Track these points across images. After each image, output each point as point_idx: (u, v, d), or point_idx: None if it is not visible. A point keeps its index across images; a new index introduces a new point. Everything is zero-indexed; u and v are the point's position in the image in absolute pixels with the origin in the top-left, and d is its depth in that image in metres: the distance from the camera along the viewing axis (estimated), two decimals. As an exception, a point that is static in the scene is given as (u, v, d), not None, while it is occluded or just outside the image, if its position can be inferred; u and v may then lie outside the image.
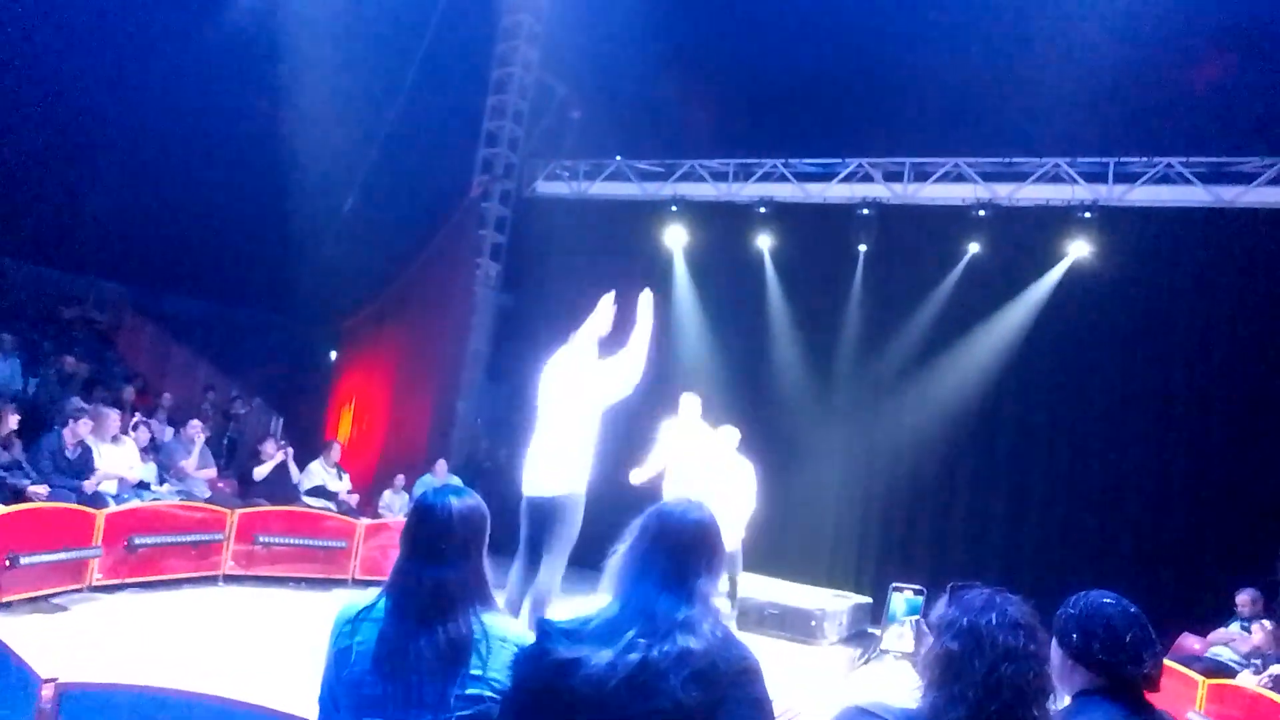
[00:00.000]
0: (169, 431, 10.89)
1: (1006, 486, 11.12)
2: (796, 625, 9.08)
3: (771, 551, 10.65)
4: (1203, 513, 10.02)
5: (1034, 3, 10.78)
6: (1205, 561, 9.58)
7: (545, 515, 5.27)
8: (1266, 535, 9.42)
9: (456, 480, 11.38)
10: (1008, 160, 11.43)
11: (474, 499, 2.33)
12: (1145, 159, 10.87)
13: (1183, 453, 10.38)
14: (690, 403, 7.88)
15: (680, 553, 2.06)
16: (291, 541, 9.43)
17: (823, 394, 12.06)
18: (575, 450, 5.34)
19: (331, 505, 10.61)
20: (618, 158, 13.49)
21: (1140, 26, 10.23)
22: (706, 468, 7.62)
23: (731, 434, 8.01)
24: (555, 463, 5.31)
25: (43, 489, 7.74)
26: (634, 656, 1.92)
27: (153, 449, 10.16)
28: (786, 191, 12.47)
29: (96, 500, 8.19)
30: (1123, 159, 10.96)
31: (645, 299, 5.72)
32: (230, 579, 8.85)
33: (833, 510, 11.92)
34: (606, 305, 5.71)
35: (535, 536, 5.32)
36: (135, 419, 10.35)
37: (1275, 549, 9.36)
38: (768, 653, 6.86)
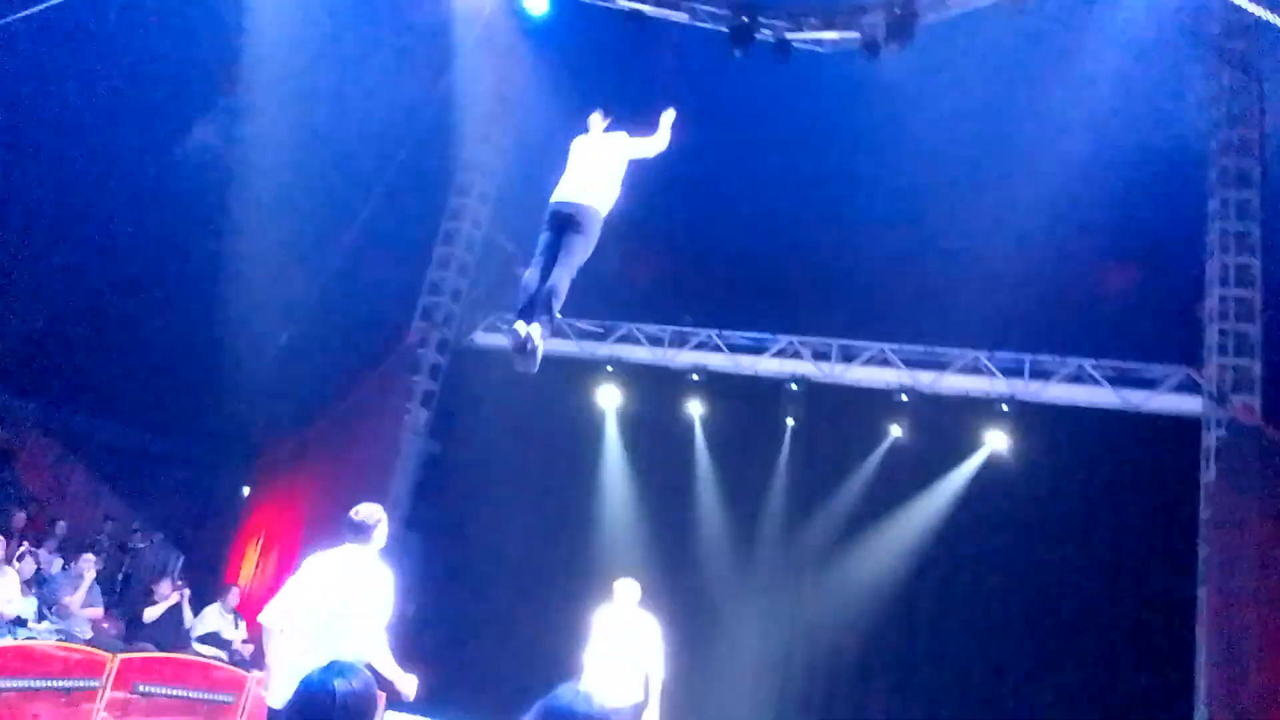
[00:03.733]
0: (57, 563, 10.26)
1: (927, 669, 11.06)
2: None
3: (692, 716, 10.31)
4: (1116, 696, 10.07)
5: (959, 206, 11.51)
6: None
7: (571, 222, 5.86)
8: (1175, 714, 9.51)
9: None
10: (930, 349, 11.96)
11: (360, 680, 2.22)
12: (1059, 358, 11.46)
13: (1097, 646, 10.49)
14: (626, 589, 7.51)
15: None
16: (174, 692, 8.77)
17: (746, 564, 12.00)
18: (607, 181, 6.09)
19: (223, 655, 9.98)
20: (558, 314, 13.69)
21: (1055, 236, 11.00)
22: (611, 627, 7.37)
23: (630, 588, 7.51)
24: (590, 184, 6.00)
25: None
26: None
27: (37, 581, 9.54)
28: (719, 361, 12.77)
29: (-36, 636, 7.59)
30: (1038, 356, 11.54)
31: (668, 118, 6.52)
32: (101, 732, 8.15)
33: (751, 683, 11.65)
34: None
35: (556, 241, 5.86)
36: (22, 548, 9.74)
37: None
38: None
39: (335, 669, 2.22)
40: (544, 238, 5.95)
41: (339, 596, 4.88)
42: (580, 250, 5.85)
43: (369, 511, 5.20)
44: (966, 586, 11.16)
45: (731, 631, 11.73)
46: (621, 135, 6.33)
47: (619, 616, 7.44)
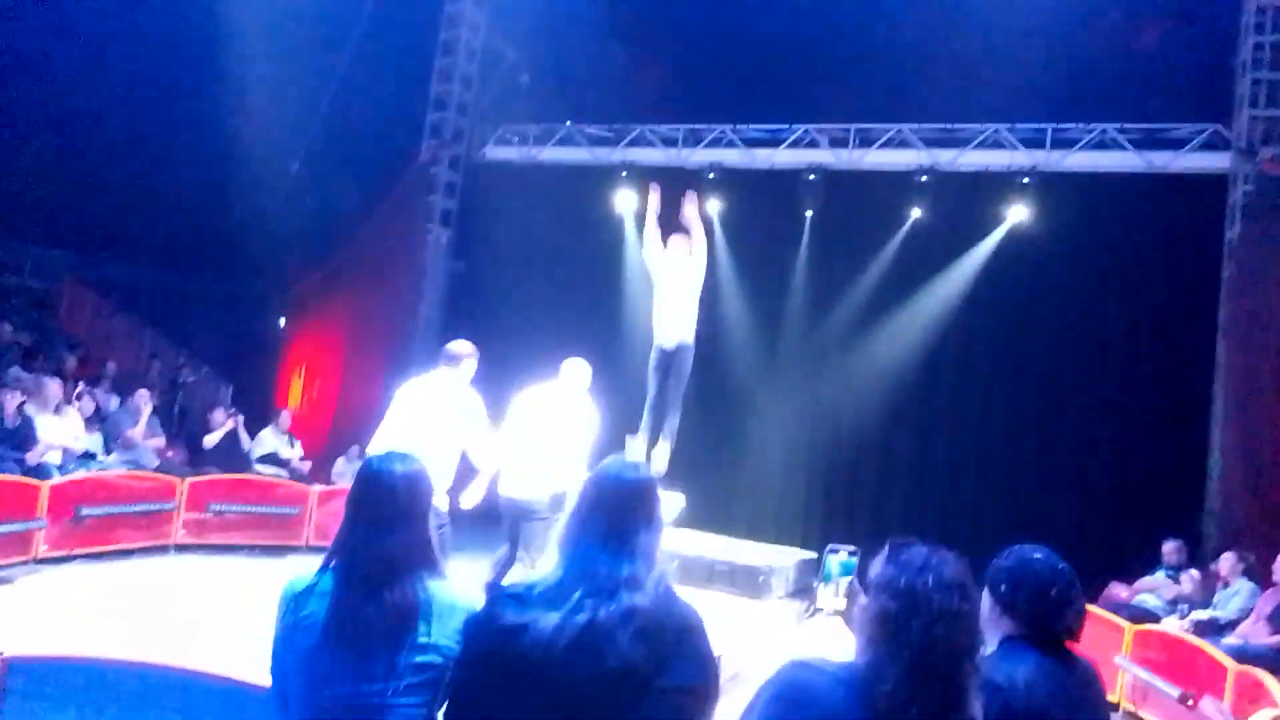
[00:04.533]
0: (114, 400, 10.75)
1: (946, 445, 11.46)
2: (744, 581, 9.31)
3: (720, 509, 10.91)
4: (1133, 468, 10.45)
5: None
6: (1133, 514, 10.01)
7: (673, 359, 6.89)
8: (1190, 490, 9.91)
9: (409, 447, 11.40)
10: (949, 126, 11.62)
11: (418, 465, 2.36)
12: (1082, 125, 11.13)
13: (1114, 412, 10.77)
14: (576, 371, 6.26)
15: (618, 512, 2.11)
16: (244, 509, 9.42)
17: (769, 356, 12.27)
18: (691, 311, 6.96)
19: (283, 472, 10.61)
20: (568, 123, 13.44)
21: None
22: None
23: (578, 368, 6.26)
24: (679, 320, 6.88)
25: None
26: (581, 617, 1.96)
27: (98, 419, 10.04)
28: (734, 157, 12.55)
29: (40, 472, 8.11)
30: (1060, 125, 11.21)
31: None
32: (182, 548, 8.84)
33: (779, 469, 12.18)
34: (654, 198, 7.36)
35: (664, 378, 6.88)
36: (79, 389, 10.20)
37: (1198, 502, 9.85)
38: (717, 608, 7.08)
39: (395, 456, 2.37)
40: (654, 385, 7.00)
41: (437, 410, 5.40)
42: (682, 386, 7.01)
43: (460, 345, 5.66)
44: (988, 364, 11.36)
45: (759, 421, 12.16)
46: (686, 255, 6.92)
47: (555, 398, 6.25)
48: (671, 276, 6.95)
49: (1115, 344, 10.86)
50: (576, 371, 6.17)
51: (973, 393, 11.39)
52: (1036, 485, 10.87)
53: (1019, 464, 11.00)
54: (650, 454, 6.70)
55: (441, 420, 5.37)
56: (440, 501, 5.16)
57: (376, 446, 5.21)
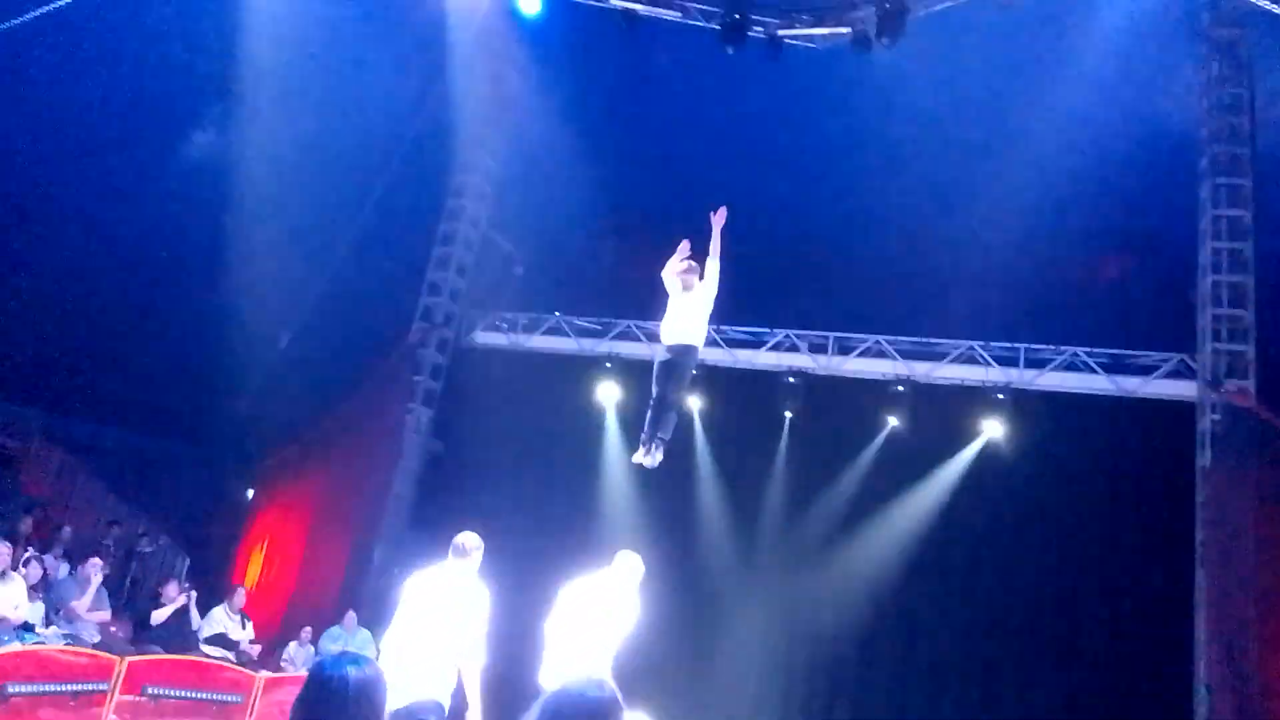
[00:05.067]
0: (64, 568, 10.32)
1: (925, 658, 11.14)
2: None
3: (693, 710, 10.40)
4: (1117, 692, 10.16)
5: (953, 198, 11.58)
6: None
7: (677, 363, 7.05)
8: (1174, 693, 9.59)
9: (366, 634, 10.94)
10: (925, 340, 12.01)
11: (372, 669, 2.26)
12: (1053, 347, 11.53)
13: (1096, 630, 10.58)
14: (628, 563, 6.52)
15: None
16: (183, 694, 8.86)
17: (747, 556, 12.08)
18: (701, 324, 7.19)
19: (231, 656, 10.07)
20: (556, 313, 13.80)
21: (1049, 225, 11.06)
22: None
23: (633, 562, 6.54)
24: (689, 328, 7.10)
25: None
26: None
27: (44, 586, 9.60)
28: (717, 356, 12.82)
29: (-27, 642, 7.65)
30: (1033, 345, 11.61)
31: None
32: (111, 734, 8.23)
33: (753, 672, 11.74)
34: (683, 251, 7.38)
35: (666, 381, 7.10)
36: (28, 554, 9.81)
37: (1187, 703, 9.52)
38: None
39: (348, 658, 2.26)
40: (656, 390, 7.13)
41: (449, 603, 5.49)
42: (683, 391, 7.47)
43: (469, 537, 5.77)
44: (965, 575, 11.24)
45: (733, 622, 11.82)
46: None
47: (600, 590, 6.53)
48: (683, 293, 7.20)
49: (1094, 562, 10.80)
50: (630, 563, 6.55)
51: (950, 605, 11.20)
52: (1017, 706, 10.53)
53: (998, 683, 10.78)
54: (649, 453, 7.03)
55: (450, 614, 5.44)
56: (442, 697, 5.29)
57: (388, 644, 5.46)
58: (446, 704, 5.33)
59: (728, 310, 12.82)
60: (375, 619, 12.04)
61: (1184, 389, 10.90)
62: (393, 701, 4.97)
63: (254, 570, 13.52)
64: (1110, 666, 10.29)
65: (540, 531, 12.55)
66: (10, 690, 7.43)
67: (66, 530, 11.73)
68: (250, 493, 14.69)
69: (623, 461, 12.86)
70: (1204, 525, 10.11)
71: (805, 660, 11.63)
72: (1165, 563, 10.31)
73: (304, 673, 9.85)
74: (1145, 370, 11.22)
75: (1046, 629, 10.69)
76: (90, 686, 8.23)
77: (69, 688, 8.04)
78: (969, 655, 10.95)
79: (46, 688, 7.83)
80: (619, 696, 2.17)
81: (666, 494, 12.50)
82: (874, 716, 11.05)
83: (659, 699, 7.82)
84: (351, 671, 2.21)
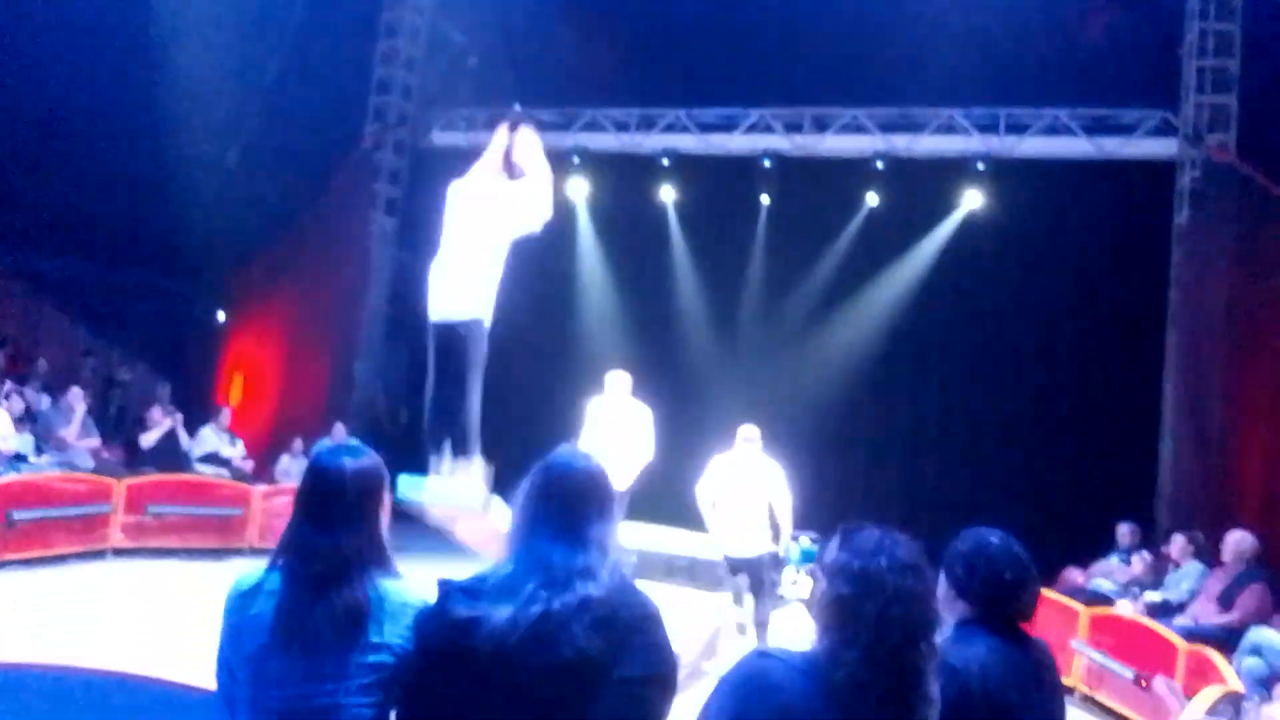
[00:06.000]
0: (46, 400, 10.29)
1: (904, 431, 11.56)
2: (705, 575, 9.19)
3: (678, 501, 10.78)
4: (1088, 452, 10.64)
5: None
6: (1088, 499, 10.14)
7: (453, 341, 5.03)
8: (1143, 474, 10.05)
9: (357, 444, 11.10)
10: (904, 111, 11.61)
11: (370, 458, 2.24)
12: (1034, 110, 11.20)
13: (1068, 396, 10.92)
14: (618, 380, 7.56)
15: (571, 502, 2.05)
16: (184, 511, 9.10)
17: (727, 343, 12.21)
18: (484, 276, 5.13)
19: (225, 472, 10.26)
20: (517, 106, 13.15)
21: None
22: (602, 417, 7.45)
23: (622, 378, 7.63)
24: (463, 287, 5.07)
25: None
26: (536, 609, 1.90)
27: (29, 419, 9.59)
28: (689, 143, 12.40)
29: (-35, 474, 7.69)
30: (1013, 110, 11.27)
31: (523, 136, 5.51)
32: (120, 553, 8.48)
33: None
34: (501, 133, 5.57)
35: (444, 365, 5.06)
36: (7, 387, 9.73)
37: (1151, 486, 9.98)
38: (678, 602, 6.95)
39: (345, 448, 2.24)
40: (431, 362, 5.13)
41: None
42: (475, 366, 5.00)
43: (752, 429, 7.23)
44: (945, 347, 11.47)
45: (716, 410, 12.04)
46: (507, 190, 5.27)
47: (610, 406, 7.53)
48: (466, 223, 5.22)
49: (1069, 329, 11.02)
50: (620, 381, 7.54)
51: (929, 378, 11.49)
52: (996, 470, 10.96)
53: (975, 449, 11.11)
54: (439, 470, 5.05)
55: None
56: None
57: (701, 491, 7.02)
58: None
59: (698, 92, 12.36)
60: (363, 430, 12.23)
61: (1166, 147, 10.70)
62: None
63: (236, 391, 13.56)
64: (1082, 422, 10.69)
65: (518, 332, 12.54)
66: (16, 517, 7.55)
67: (42, 363, 11.62)
68: (221, 315, 14.51)
69: (596, 255, 12.71)
70: (1177, 284, 10.21)
71: (784, 444, 11.95)
72: (1139, 323, 10.49)
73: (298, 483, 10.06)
74: (1128, 129, 10.97)
75: (1023, 394, 11.02)
76: (93, 510, 8.41)
77: (72, 511, 8.19)
78: (948, 422, 11.36)
79: (50, 512, 7.98)
80: (603, 468, 2.17)
81: (644, 289, 12.45)
82: (855, 492, 11.44)
83: (643, 489, 8.02)
84: (348, 461, 2.18)
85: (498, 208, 5.20)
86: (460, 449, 5.00)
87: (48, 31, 11.68)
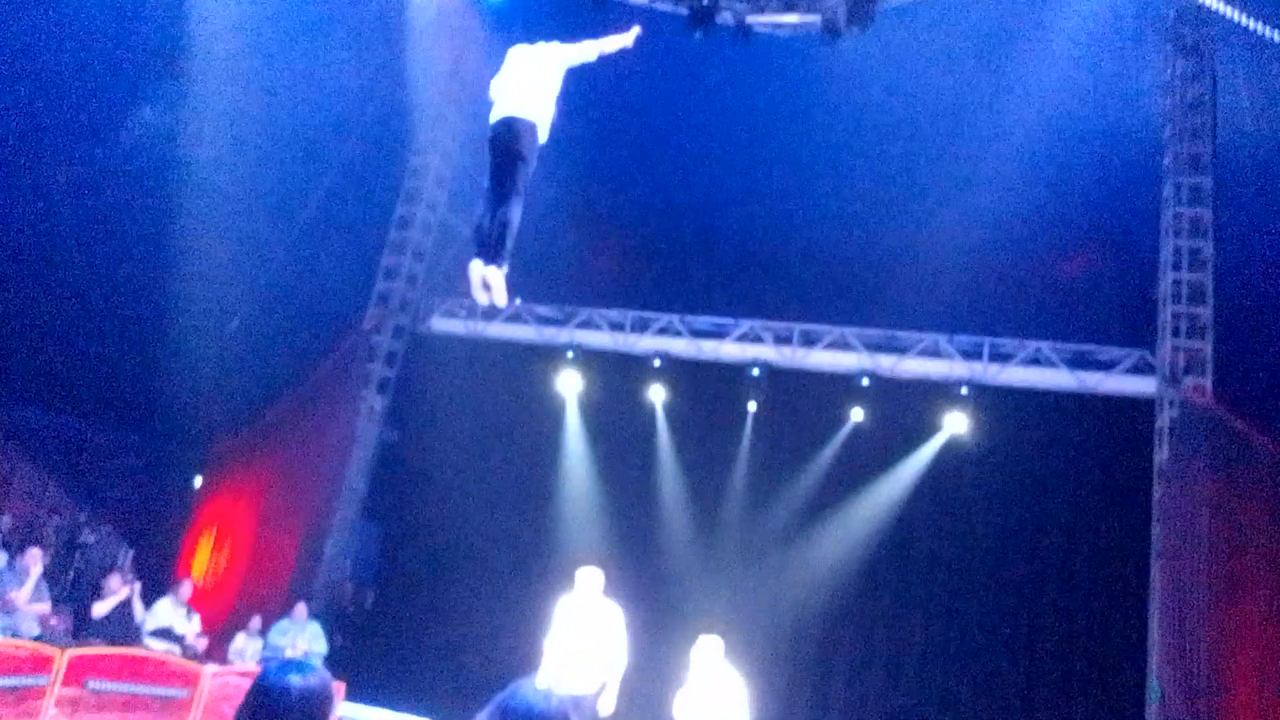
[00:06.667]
0: (1, 558, 9.91)
1: (883, 653, 11.15)
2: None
3: (654, 708, 10.30)
4: (1069, 671, 10.33)
5: (918, 192, 11.58)
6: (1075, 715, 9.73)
7: (511, 137, 5.51)
8: (1127, 689, 9.69)
9: (316, 626, 10.68)
10: (890, 333, 11.99)
11: (318, 677, 2.15)
12: (1017, 341, 11.58)
13: (1050, 618, 10.69)
14: (590, 576, 7.46)
15: None
16: (127, 689, 8.55)
17: (707, 547, 11.99)
18: (543, 92, 5.67)
19: (177, 649, 9.76)
20: (517, 300, 13.51)
21: (1013, 220, 11.10)
22: (573, 616, 7.31)
23: (594, 575, 7.48)
24: (525, 96, 5.61)
25: None
26: None
27: (-21, 578, 9.21)
28: (681, 346, 12.71)
29: (-99, 637, 7.29)
30: (997, 339, 11.65)
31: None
32: (50, 732, 7.90)
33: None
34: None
35: (499, 162, 5.54)
36: (-37, 544, 9.42)
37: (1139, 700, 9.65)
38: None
39: (293, 666, 2.15)
40: (490, 167, 5.69)
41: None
42: (525, 174, 5.56)
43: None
44: (926, 569, 11.27)
45: (694, 617, 11.70)
46: (555, 45, 5.92)
47: (581, 605, 7.37)
48: (528, 58, 5.87)
49: (1054, 558, 10.89)
50: (592, 578, 7.42)
51: (910, 600, 11.23)
52: (976, 692, 10.61)
53: (956, 679, 10.76)
54: (500, 266, 5.52)
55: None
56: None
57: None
58: None
59: (692, 299, 12.80)
60: (325, 612, 11.79)
61: (1144, 385, 11.00)
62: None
63: (201, 560, 13.14)
64: (1067, 660, 10.40)
65: (497, 523, 12.37)
66: (-57, 686, 7.10)
67: (5, 519, 11.32)
68: (198, 481, 14.27)
69: (585, 453, 12.71)
70: (1160, 522, 10.21)
71: (767, 654, 11.57)
72: (1123, 558, 10.42)
73: (252, 665, 9.57)
74: (1106, 366, 11.31)
75: (1005, 624, 10.75)
76: (29, 681, 7.89)
77: (7, 682, 7.70)
78: (928, 649, 11.00)
79: (-19, 683, 7.49)
80: (566, 710, 2.10)
81: (629, 487, 12.37)
82: (833, 708, 11.07)
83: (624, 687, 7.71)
84: (295, 680, 2.09)
85: (555, 50, 5.86)
86: (497, 251, 5.47)
87: (63, 177, 12.04)
